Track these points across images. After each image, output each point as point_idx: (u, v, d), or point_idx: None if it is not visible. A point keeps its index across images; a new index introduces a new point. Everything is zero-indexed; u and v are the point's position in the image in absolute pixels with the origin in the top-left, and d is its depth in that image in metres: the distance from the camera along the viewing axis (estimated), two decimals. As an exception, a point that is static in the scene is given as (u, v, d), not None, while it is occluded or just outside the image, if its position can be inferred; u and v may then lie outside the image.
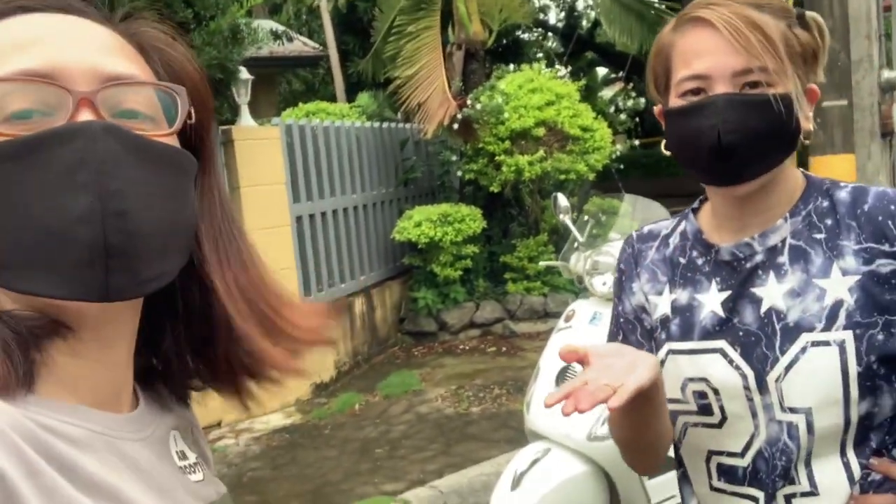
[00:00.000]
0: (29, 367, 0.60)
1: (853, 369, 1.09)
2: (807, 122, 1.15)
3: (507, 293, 7.43)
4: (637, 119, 9.13)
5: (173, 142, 0.67)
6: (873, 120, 7.47)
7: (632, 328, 1.31)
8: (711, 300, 1.21)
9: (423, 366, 6.75)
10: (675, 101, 1.16)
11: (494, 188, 7.30)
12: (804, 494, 1.15)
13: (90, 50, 0.64)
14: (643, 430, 1.23)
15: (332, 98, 9.87)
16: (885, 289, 1.11)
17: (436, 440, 5.07)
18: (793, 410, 1.13)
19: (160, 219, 0.62)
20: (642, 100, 8.46)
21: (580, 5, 21.41)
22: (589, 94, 7.81)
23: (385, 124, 8.09)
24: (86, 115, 0.60)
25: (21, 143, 0.58)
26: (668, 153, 1.22)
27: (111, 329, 0.66)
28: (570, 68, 8.98)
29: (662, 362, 1.23)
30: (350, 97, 10.02)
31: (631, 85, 14.05)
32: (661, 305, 1.27)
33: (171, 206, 0.64)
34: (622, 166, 8.64)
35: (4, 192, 0.58)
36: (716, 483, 1.24)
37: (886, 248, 1.11)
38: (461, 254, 7.19)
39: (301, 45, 13.57)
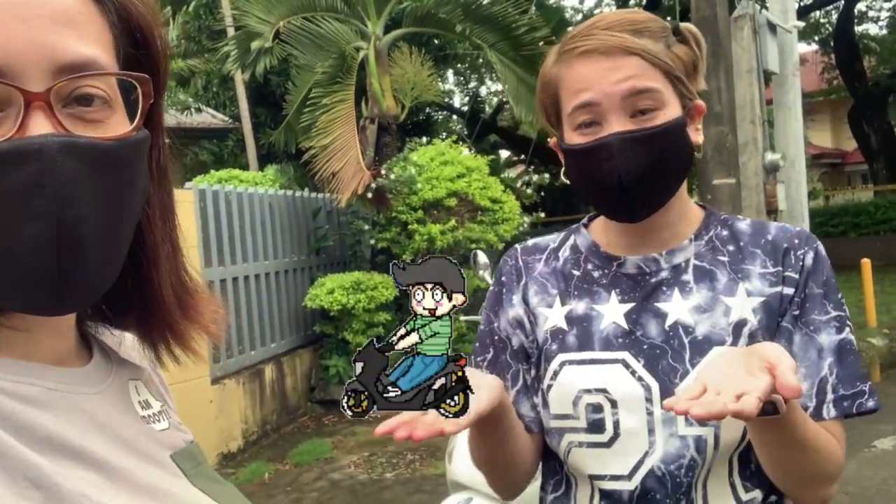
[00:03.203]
0: None
1: None
2: (697, 136, 1.17)
3: (419, 361, 7.44)
4: (542, 194, 9.47)
5: (127, 126, 0.64)
6: (759, 198, 8.04)
7: (503, 346, 1.26)
8: (612, 311, 1.19)
9: (334, 434, 6.65)
10: (570, 135, 1.15)
11: (407, 256, 7.41)
12: None
13: (42, 25, 0.58)
14: (496, 451, 1.21)
15: (243, 168, 9.86)
16: (777, 312, 1.15)
17: (350, 505, 4.98)
18: (702, 423, 1.10)
19: (113, 232, 0.61)
20: (547, 176, 8.80)
21: (483, 91, 22.33)
22: (492, 174, 8.10)
23: (298, 193, 8.14)
24: (39, 120, 0.57)
25: None
26: (567, 181, 1.21)
27: None
28: (473, 150, 9.31)
29: (556, 374, 1.20)
30: (261, 168, 10.04)
31: (532, 168, 14.59)
32: (553, 317, 1.23)
33: (124, 208, 0.63)
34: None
35: None
36: None
37: (790, 273, 1.16)
38: (373, 321, 7.20)
39: (209, 117, 13.57)
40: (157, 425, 0.74)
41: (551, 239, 1.32)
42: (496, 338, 1.27)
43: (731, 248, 1.20)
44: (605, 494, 1.16)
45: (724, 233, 1.21)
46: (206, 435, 5.84)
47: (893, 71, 20.01)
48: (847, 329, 1.16)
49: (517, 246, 1.34)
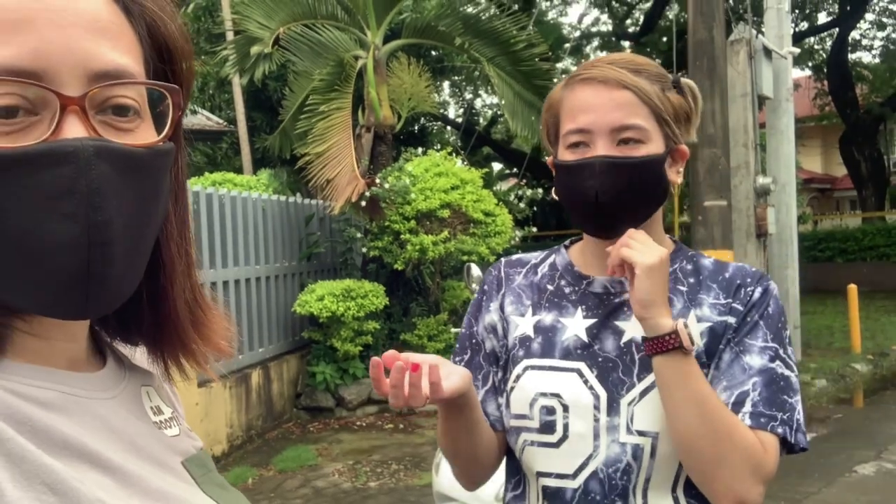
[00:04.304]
0: None
1: None
2: (676, 177, 1.31)
3: (406, 371, 7.45)
4: (534, 209, 9.52)
5: (154, 136, 0.65)
6: (749, 221, 8.11)
7: (478, 349, 1.38)
8: (576, 324, 1.30)
9: (319, 441, 6.64)
10: (562, 153, 1.29)
11: (398, 266, 7.43)
12: None
13: (78, 33, 0.59)
14: (460, 441, 1.31)
15: (237, 172, 9.87)
16: (720, 339, 1.25)
17: (333, 513, 4.97)
18: (641, 433, 1.22)
19: (138, 240, 0.62)
20: (540, 191, 8.86)
21: (478, 104, 22.41)
22: (485, 187, 8.15)
23: (291, 198, 8.16)
24: (73, 124, 0.58)
25: (8, 157, 0.56)
26: (556, 198, 1.34)
27: None
28: (467, 161, 9.37)
29: (518, 377, 1.31)
30: (255, 172, 10.06)
31: (524, 182, 14.67)
32: (522, 326, 1.35)
33: (149, 217, 0.63)
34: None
35: None
36: None
37: (737, 305, 1.26)
38: (362, 329, 7.21)
39: (204, 119, 13.57)
40: (168, 431, 0.74)
41: (534, 256, 1.45)
42: (473, 341, 1.40)
43: (691, 280, 1.31)
44: (550, 491, 1.27)
45: (688, 266, 1.33)
46: (191, 438, 5.83)
47: (885, 99, 20.22)
48: (781, 363, 1.23)
49: (502, 259, 1.46)
